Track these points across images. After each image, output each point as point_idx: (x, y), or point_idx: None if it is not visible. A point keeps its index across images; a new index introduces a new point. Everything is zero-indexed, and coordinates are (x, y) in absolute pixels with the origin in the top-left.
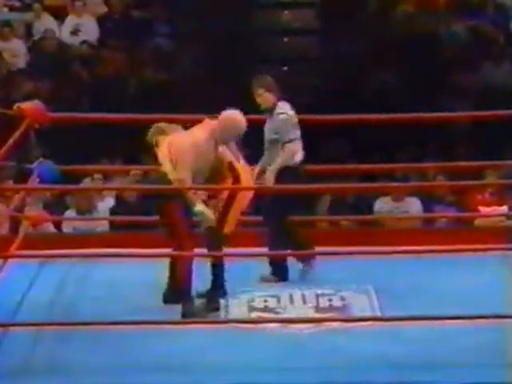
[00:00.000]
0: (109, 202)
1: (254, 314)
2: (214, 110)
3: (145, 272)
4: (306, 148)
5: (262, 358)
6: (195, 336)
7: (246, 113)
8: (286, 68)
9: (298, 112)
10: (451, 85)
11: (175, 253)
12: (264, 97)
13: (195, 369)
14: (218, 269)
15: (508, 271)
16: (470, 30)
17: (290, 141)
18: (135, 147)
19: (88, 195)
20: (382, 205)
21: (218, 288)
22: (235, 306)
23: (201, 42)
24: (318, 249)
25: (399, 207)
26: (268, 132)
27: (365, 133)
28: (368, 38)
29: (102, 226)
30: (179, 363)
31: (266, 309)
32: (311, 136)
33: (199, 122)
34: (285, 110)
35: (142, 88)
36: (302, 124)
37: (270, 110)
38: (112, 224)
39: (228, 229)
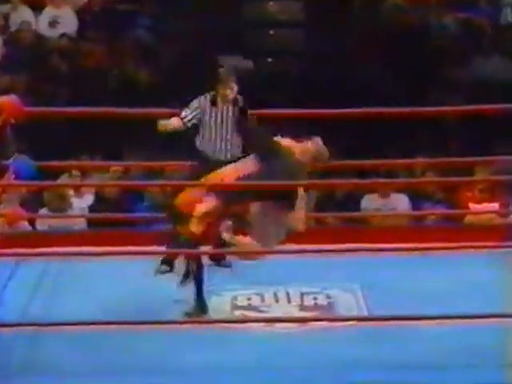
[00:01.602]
0: (88, 199)
1: (238, 313)
2: None
3: (122, 270)
4: None
5: (245, 358)
6: (176, 336)
7: None
8: (271, 60)
9: (283, 105)
10: (441, 78)
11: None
12: (234, 89)
13: (175, 370)
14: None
15: (499, 269)
16: (461, 22)
17: None
18: (116, 142)
19: (61, 193)
20: (369, 202)
21: (200, 289)
22: (218, 304)
23: (185, 35)
24: (304, 246)
25: (387, 204)
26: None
27: (353, 127)
28: (356, 30)
29: (81, 224)
30: (158, 364)
31: (249, 307)
32: (297, 130)
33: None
34: None
35: (122, 81)
36: (287, 118)
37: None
38: (91, 221)
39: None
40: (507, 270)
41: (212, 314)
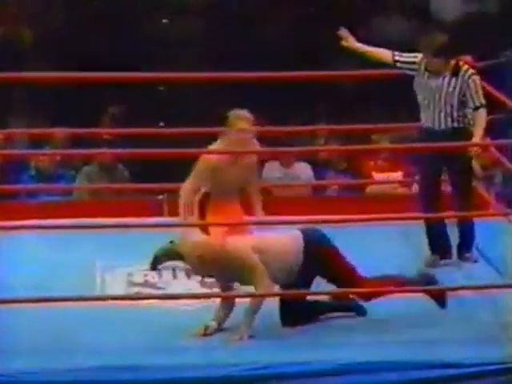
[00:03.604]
0: None
1: (133, 290)
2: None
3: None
4: (183, 109)
5: (142, 338)
6: (68, 314)
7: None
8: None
9: (180, 68)
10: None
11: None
12: (439, 62)
13: (68, 350)
14: None
15: (402, 241)
16: None
17: (482, 105)
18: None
19: None
20: (270, 171)
21: None
22: (112, 280)
23: None
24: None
25: (289, 174)
26: (456, 93)
27: (254, 92)
28: None
29: None
30: (50, 344)
31: (146, 284)
32: (193, 95)
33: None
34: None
35: (4, 42)
36: (184, 82)
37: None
38: None
39: None
40: (411, 242)
41: (106, 291)
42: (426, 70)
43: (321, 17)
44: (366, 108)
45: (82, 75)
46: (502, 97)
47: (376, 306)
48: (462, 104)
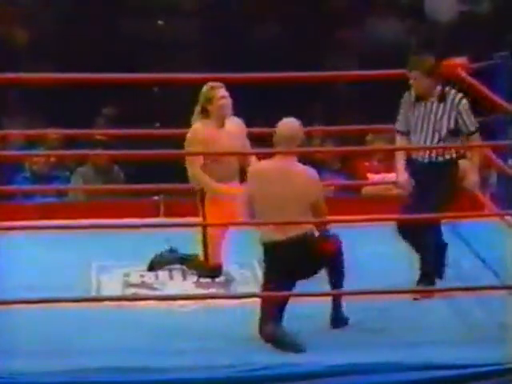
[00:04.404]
0: None
1: (130, 291)
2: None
3: None
4: (178, 110)
5: (139, 339)
6: (64, 315)
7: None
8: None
9: (175, 69)
10: (336, 41)
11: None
12: (425, 85)
13: (64, 351)
14: None
15: (397, 242)
16: None
17: (477, 130)
18: None
19: None
20: None
21: None
22: (108, 281)
23: None
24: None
25: None
26: (444, 122)
27: (248, 93)
28: None
29: None
30: (45, 345)
31: (143, 285)
32: (189, 96)
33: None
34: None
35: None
36: (179, 83)
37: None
38: None
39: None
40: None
41: (102, 292)
42: (416, 100)
43: (314, 17)
44: (362, 109)
45: (77, 76)
46: (496, 98)
47: (371, 308)
48: (451, 133)
